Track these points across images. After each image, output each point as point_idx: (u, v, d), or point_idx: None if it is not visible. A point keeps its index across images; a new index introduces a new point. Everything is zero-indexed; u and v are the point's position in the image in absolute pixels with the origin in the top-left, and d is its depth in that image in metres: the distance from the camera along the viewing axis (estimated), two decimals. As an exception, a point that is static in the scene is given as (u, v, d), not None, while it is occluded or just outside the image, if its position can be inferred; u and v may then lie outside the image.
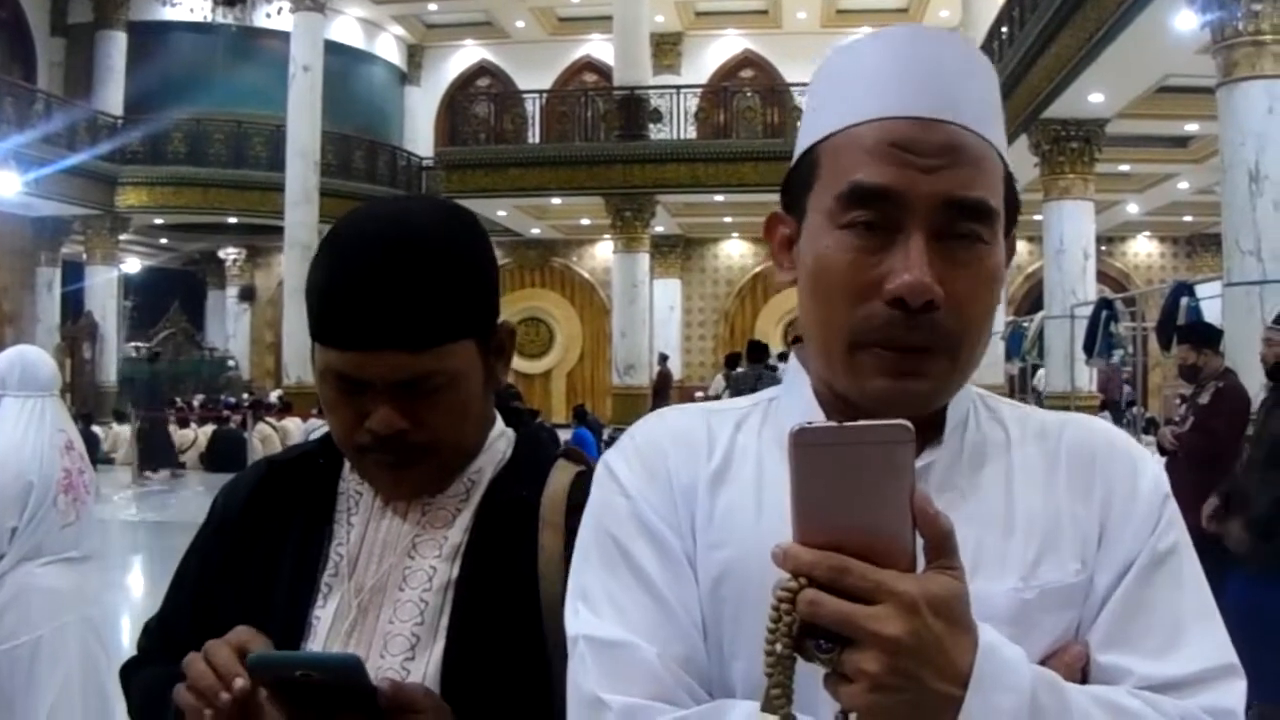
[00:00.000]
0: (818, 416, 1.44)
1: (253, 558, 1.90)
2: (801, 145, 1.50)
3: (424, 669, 1.76)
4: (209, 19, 27.21)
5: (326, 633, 1.81)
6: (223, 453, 24.70)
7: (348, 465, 1.94)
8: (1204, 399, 8.70)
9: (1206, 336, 9.30)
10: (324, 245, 1.80)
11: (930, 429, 1.43)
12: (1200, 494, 7.54)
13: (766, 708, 1.14)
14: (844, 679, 1.12)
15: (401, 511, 1.88)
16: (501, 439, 1.99)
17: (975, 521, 1.38)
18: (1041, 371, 23.64)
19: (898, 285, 1.32)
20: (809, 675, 1.14)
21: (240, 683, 1.58)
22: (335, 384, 1.78)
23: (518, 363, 36.77)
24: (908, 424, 1.12)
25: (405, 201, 1.87)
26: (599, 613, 1.40)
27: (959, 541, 1.17)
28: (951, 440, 1.46)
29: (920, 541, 1.15)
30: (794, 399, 1.53)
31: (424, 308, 1.72)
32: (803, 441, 1.12)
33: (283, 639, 1.76)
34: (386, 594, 1.82)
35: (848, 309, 1.37)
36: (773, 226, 1.55)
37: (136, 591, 12.80)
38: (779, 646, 1.12)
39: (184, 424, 28.08)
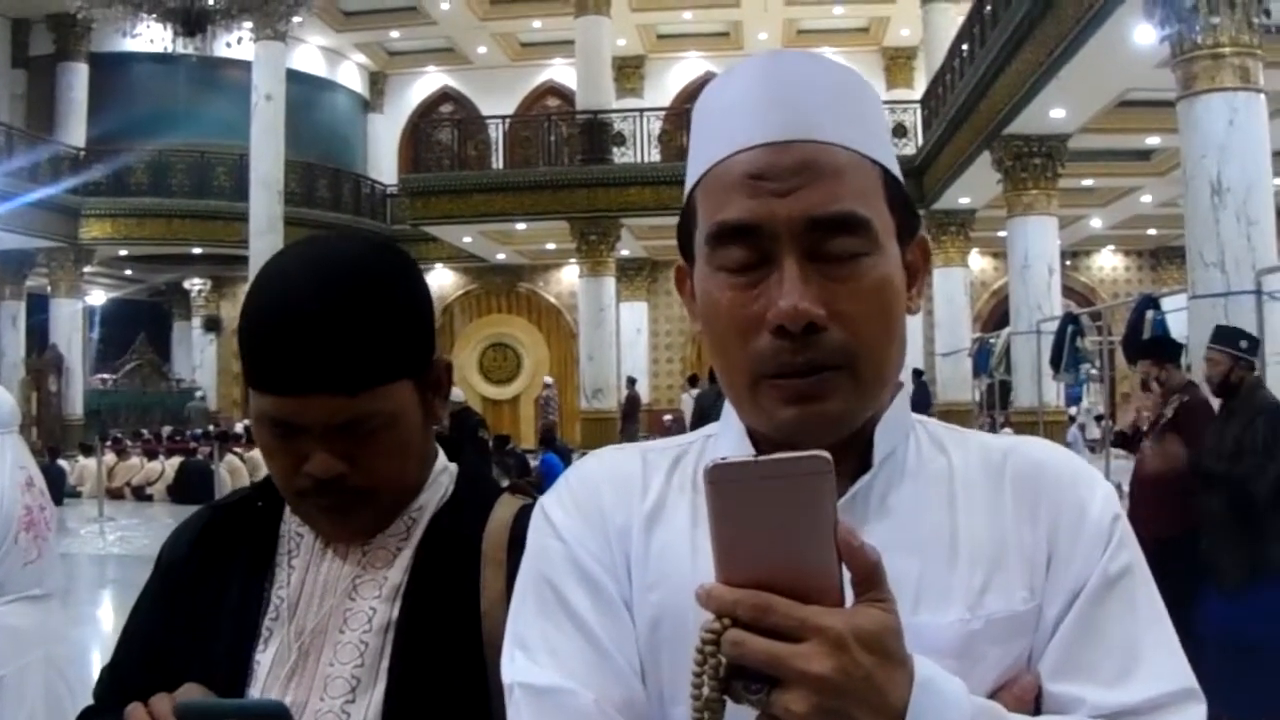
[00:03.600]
0: (749, 452, 1.41)
1: (197, 603, 1.87)
2: (685, 192, 1.49)
3: (364, 712, 1.73)
4: (170, 50, 27.02)
5: (266, 676, 1.78)
6: (190, 485, 24.56)
7: (289, 507, 1.90)
8: (1168, 413, 8.70)
9: (1168, 351, 9.29)
10: (253, 289, 1.77)
11: (862, 455, 1.41)
12: (1168, 508, 7.56)
13: None
14: None
15: (342, 553, 1.86)
16: (444, 474, 1.95)
17: (917, 551, 1.35)
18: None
19: (775, 314, 1.30)
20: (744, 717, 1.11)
21: None
22: (271, 429, 1.75)
23: (485, 389, 36.77)
24: (825, 454, 1.09)
25: (333, 241, 1.83)
26: (535, 659, 1.37)
27: (899, 573, 1.15)
28: (888, 467, 1.42)
29: (848, 575, 1.11)
30: (728, 436, 1.49)
31: (357, 350, 1.69)
32: (717, 478, 1.09)
33: (226, 684, 1.74)
34: (327, 636, 1.79)
35: (739, 347, 1.36)
36: (680, 279, 1.55)
37: (105, 626, 12.70)
38: (706, 689, 1.09)
39: (151, 456, 27.98)
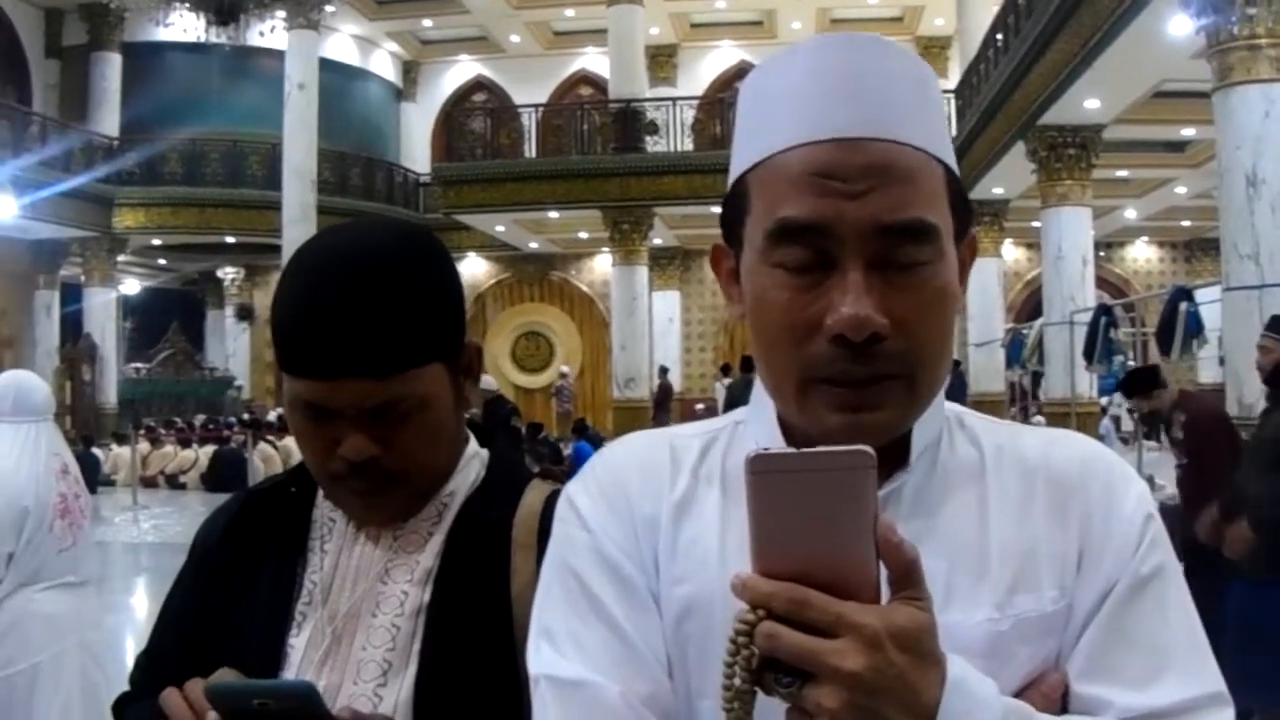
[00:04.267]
0: (779, 439, 1.40)
1: (231, 589, 1.89)
2: (733, 173, 1.43)
3: (396, 695, 1.75)
4: (203, 39, 27.13)
5: (300, 661, 1.80)
6: (224, 473, 24.65)
7: (321, 492, 1.92)
8: (1179, 433, 8.67)
9: (1147, 380, 9.21)
10: (285, 274, 1.80)
11: (897, 451, 1.36)
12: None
13: None
14: (805, 714, 1.07)
15: (374, 537, 1.87)
16: (475, 460, 1.97)
17: (947, 549, 1.33)
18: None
19: (836, 321, 1.26)
20: (773, 709, 1.10)
21: (213, 715, 1.57)
22: (304, 413, 1.77)
23: (518, 377, 36.83)
24: (869, 450, 1.08)
25: (364, 227, 1.85)
26: (561, 651, 1.35)
27: (929, 571, 1.13)
28: (921, 463, 1.39)
29: (885, 571, 1.10)
30: (759, 423, 1.46)
31: (389, 334, 1.70)
32: (759, 469, 1.08)
33: (260, 668, 1.76)
34: (360, 620, 1.81)
35: (792, 349, 1.31)
36: (718, 259, 1.49)
37: (139, 613, 12.76)
38: (738, 680, 1.08)
39: (185, 444, 28.09)
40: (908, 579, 1.10)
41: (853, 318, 1.25)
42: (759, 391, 1.47)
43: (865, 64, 1.34)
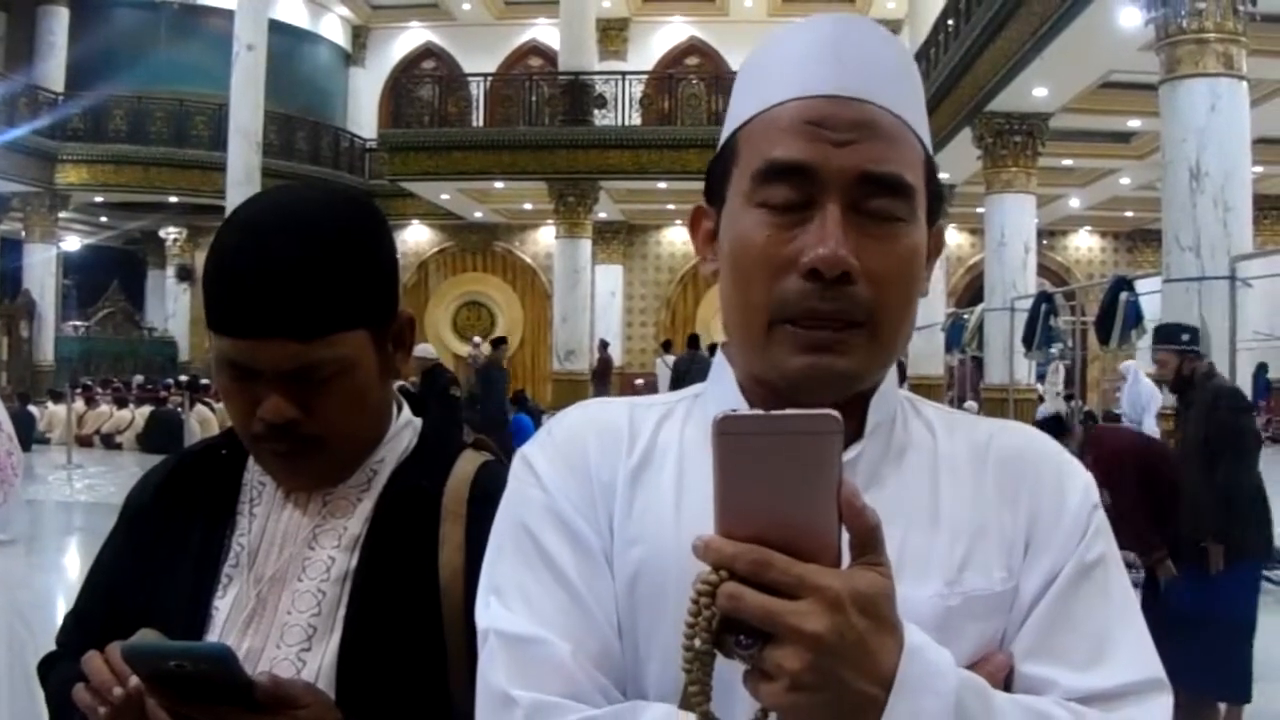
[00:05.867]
0: (740, 405, 1.42)
1: (159, 550, 1.89)
2: (724, 135, 1.49)
3: (320, 660, 1.75)
4: (152, -4, 26.95)
5: (224, 623, 1.80)
6: (160, 434, 24.48)
7: (252, 456, 1.92)
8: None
9: (1050, 431, 9.21)
10: (219, 232, 1.79)
11: (853, 423, 1.39)
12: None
13: (684, 705, 1.12)
14: (764, 676, 1.07)
15: (303, 502, 1.87)
16: (407, 428, 1.97)
17: (900, 522, 1.35)
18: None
19: (812, 257, 1.31)
20: (728, 671, 1.10)
21: (135, 680, 1.56)
22: (228, 372, 1.77)
23: (458, 347, 36.74)
24: (836, 414, 1.07)
25: (302, 190, 1.85)
26: (511, 606, 1.36)
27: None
28: (876, 439, 1.43)
29: (846, 536, 1.10)
30: (719, 393, 1.50)
31: (313, 297, 1.70)
32: (726, 429, 1.07)
33: (185, 630, 1.75)
34: (286, 584, 1.81)
35: (765, 286, 1.36)
36: (696, 220, 1.55)
37: (71, 573, 12.65)
38: (698, 641, 1.08)
39: (121, 404, 27.89)
40: (869, 544, 1.11)
41: (829, 254, 1.31)
42: (720, 364, 1.52)
43: (860, 38, 1.43)
